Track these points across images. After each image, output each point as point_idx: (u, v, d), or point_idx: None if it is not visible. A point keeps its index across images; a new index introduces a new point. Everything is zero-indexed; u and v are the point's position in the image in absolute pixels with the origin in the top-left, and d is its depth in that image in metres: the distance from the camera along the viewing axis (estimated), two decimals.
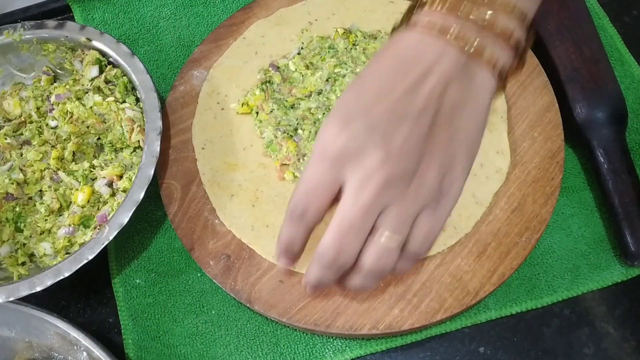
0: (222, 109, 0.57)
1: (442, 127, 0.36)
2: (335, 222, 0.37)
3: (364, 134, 0.36)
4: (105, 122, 0.57)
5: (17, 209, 0.55)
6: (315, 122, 0.54)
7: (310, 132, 0.54)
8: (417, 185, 0.36)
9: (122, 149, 0.57)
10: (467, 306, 0.48)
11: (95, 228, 0.53)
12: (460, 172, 0.38)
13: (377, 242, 0.37)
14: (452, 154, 0.37)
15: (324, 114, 0.55)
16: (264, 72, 0.58)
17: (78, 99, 0.57)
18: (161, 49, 0.64)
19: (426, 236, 0.38)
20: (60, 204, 0.55)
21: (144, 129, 0.54)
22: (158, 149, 0.52)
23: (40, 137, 0.58)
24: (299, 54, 0.58)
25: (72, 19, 0.67)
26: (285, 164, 0.54)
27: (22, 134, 0.59)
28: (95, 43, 0.57)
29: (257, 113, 0.56)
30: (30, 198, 0.56)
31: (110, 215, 0.52)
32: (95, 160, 0.57)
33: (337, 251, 0.37)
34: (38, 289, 0.48)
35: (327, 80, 0.56)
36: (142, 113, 0.56)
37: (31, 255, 0.54)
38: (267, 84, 0.57)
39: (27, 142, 0.59)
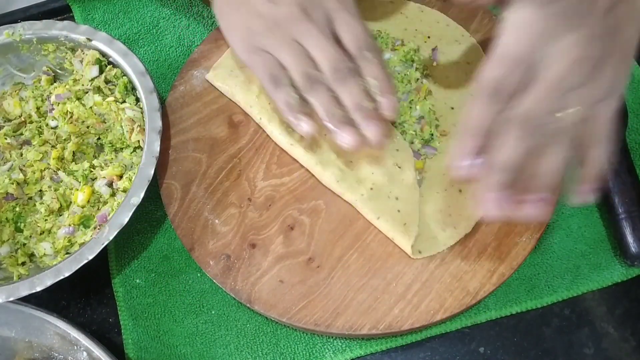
0: None
1: (610, 39, 0.41)
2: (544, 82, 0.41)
3: (562, 15, 0.40)
4: (105, 122, 0.57)
5: (17, 209, 0.55)
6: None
7: None
8: (594, 81, 0.41)
9: (122, 149, 0.57)
10: (467, 306, 0.48)
11: (95, 228, 0.53)
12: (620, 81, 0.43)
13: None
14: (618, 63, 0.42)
15: None
16: None
17: (78, 99, 0.57)
18: (161, 49, 0.64)
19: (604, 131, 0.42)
20: (60, 204, 0.55)
21: (144, 129, 0.54)
22: (158, 149, 0.52)
23: (40, 137, 0.58)
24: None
25: (72, 19, 0.67)
26: None
27: (22, 134, 0.59)
28: (94, 42, 0.57)
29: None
30: (30, 198, 0.57)
31: (110, 215, 0.52)
32: (95, 160, 0.57)
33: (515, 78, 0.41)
34: (38, 289, 0.48)
35: None
36: (142, 113, 0.56)
37: (31, 255, 0.54)
38: None
39: (27, 142, 0.59)
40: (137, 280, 0.54)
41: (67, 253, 0.53)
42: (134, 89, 0.57)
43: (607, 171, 0.46)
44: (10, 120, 0.60)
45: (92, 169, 0.56)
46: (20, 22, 0.59)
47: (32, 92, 0.60)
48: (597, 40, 0.40)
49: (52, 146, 0.58)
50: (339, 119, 0.48)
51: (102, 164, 0.56)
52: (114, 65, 0.58)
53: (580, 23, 0.40)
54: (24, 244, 0.54)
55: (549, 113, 0.41)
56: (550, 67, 0.40)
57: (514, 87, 0.41)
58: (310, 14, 0.49)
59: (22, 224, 0.55)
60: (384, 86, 0.48)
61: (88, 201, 0.55)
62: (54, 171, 0.57)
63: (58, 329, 0.49)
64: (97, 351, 0.47)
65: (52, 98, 0.58)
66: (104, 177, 0.55)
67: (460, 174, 0.43)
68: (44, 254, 0.53)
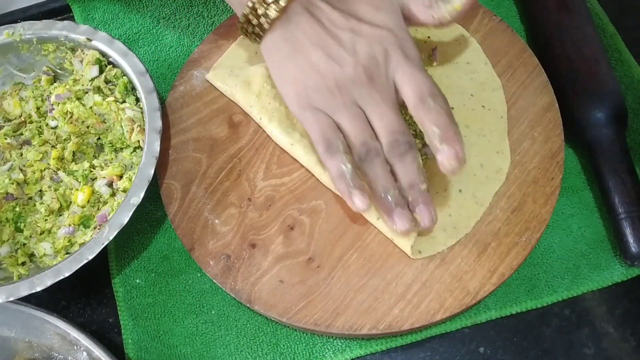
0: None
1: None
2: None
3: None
4: (105, 122, 0.57)
5: (17, 209, 0.55)
6: None
7: None
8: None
9: (122, 149, 0.57)
10: (467, 306, 0.48)
11: (95, 228, 0.53)
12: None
13: None
14: None
15: None
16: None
17: (78, 99, 0.57)
18: (161, 49, 0.64)
19: None
20: (60, 204, 0.55)
21: (144, 129, 0.54)
22: (158, 149, 0.52)
23: (40, 137, 0.58)
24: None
25: (72, 19, 0.67)
26: None
27: (22, 134, 0.59)
28: (94, 42, 0.57)
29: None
30: (30, 198, 0.57)
31: (110, 215, 0.52)
32: (95, 160, 0.57)
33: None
34: (38, 289, 0.48)
35: None
36: (142, 113, 0.56)
37: (31, 255, 0.54)
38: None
39: (27, 142, 0.59)
40: (137, 280, 0.54)
41: (67, 253, 0.53)
42: (134, 89, 0.57)
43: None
44: (10, 120, 0.60)
45: (92, 169, 0.56)
46: (20, 22, 0.59)
47: (32, 92, 0.60)
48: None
49: (52, 146, 0.58)
50: (394, 200, 0.47)
51: (102, 164, 0.56)
52: (114, 65, 0.58)
53: None
54: (24, 244, 0.54)
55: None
56: None
57: None
58: (375, 78, 0.47)
59: (22, 224, 0.55)
60: (447, 134, 0.45)
61: (88, 201, 0.55)
62: (54, 171, 0.57)
63: (58, 329, 0.49)
64: (97, 351, 0.48)
65: (52, 98, 0.58)
66: (104, 177, 0.55)
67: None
68: (44, 254, 0.53)
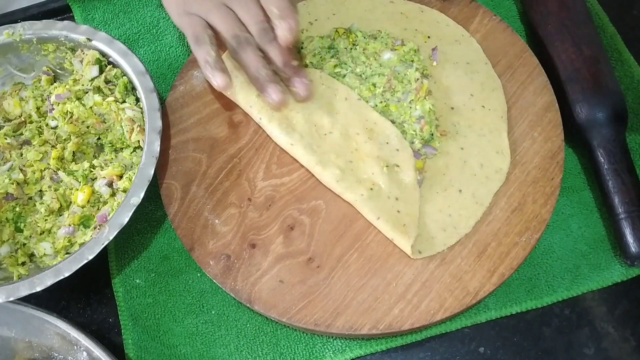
0: None
1: None
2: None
3: None
4: (105, 122, 0.57)
5: (17, 209, 0.55)
6: None
7: None
8: None
9: (122, 149, 0.57)
10: (467, 306, 0.48)
11: (95, 228, 0.53)
12: None
13: None
14: None
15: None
16: None
17: (78, 99, 0.57)
18: (161, 49, 0.64)
19: None
20: (60, 204, 0.55)
21: (144, 129, 0.54)
22: (158, 149, 0.52)
23: (40, 137, 0.58)
24: (299, 53, 0.58)
25: (72, 19, 0.67)
26: None
27: (22, 134, 0.59)
28: (94, 42, 0.57)
29: None
30: (30, 198, 0.57)
31: (110, 215, 0.52)
32: (95, 160, 0.57)
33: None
34: (38, 289, 0.48)
35: None
36: (142, 113, 0.56)
37: (31, 255, 0.54)
38: None
39: (27, 142, 0.59)
40: (137, 280, 0.54)
41: (67, 253, 0.53)
42: (134, 89, 0.57)
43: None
44: (10, 120, 0.60)
45: (92, 169, 0.56)
46: (20, 22, 0.59)
47: (32, 92, 0.60)
48: None
49: (52, 146, 0.58)
50: (266, 77, 0.53)
51: (102, 164, 0.56)
52: (114, 65, 0.58)
53: None
54: (24, 244, 0.54)
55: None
56: None
57: None
58: None
59: (22, 224, 0.55)
60: (284, 12, 0.52)
61: (88, 201, 0.55)
62: (54, 171, 0.57)
63: (58, 329, 0.49)
64: (97, 351, 0.48)
65: (52, 98, 0.58)
66: (104, 177, 0.55)
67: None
68: (44, 254, 0.53)
